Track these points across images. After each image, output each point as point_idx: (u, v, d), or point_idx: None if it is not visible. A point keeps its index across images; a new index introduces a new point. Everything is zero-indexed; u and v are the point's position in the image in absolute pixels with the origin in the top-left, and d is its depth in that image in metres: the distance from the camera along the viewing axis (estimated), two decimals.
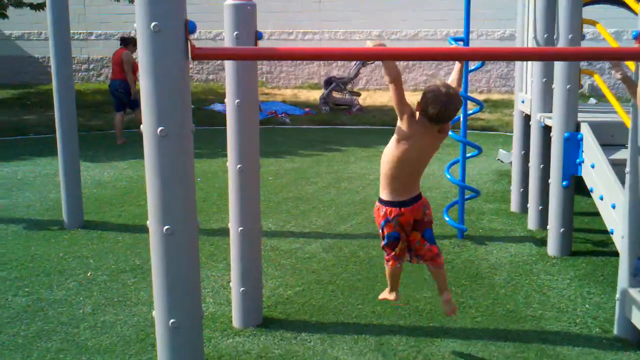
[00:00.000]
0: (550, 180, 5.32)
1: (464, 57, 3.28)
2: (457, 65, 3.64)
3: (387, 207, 3.51)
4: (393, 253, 3.62)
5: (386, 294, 3.94)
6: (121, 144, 10.86)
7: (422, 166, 3.56)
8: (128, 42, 11.03)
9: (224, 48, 2.95)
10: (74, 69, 6.62)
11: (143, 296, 4.63)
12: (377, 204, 3.58)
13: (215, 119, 12.82)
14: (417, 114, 3.42)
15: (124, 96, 10.88)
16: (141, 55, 2.44)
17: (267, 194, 7.19)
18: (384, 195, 3.52)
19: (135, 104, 10.85)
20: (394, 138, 3.45)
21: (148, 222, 2.63)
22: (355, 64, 14.52)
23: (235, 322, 4.17)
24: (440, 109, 3.31)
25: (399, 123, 3.42)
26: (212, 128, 11.94)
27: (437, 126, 3.41)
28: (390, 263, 3.67)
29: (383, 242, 3.63)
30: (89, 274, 5.05)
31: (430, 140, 3.46)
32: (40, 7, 15.11)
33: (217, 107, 14.43)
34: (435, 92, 3.32)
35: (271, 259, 5.34)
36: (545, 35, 5.59)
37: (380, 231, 3.59)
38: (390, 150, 3.45)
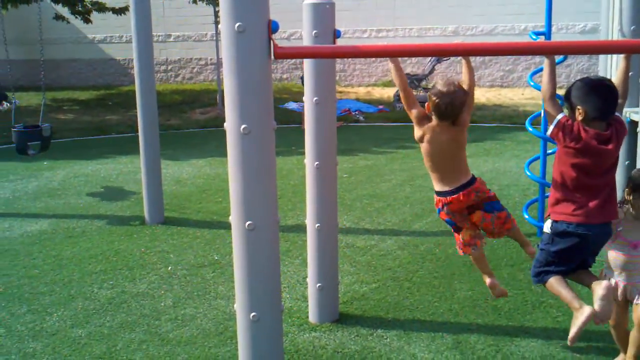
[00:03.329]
0: None
1: (547, 51, 3.19)
2: (464, 62, 3.68)
3: (437, 197, 3.76)
4: (461, 240, 3.79)
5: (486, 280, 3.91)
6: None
7: (454, 158, 3.70)
8: None
9: (306, 47, 2.96)
10: None
11: (222, 290, 4.74)
12: (435, 197, 3.82)
13: (290, 117, 12.95)
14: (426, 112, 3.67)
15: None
16: (225, 55, 2.49)
17: (341, 192, 7.21)
18: (434, 186, 3.78)
19: None
20: (415, 131, 3.71)
21: (230, 217, 2.69)
22: (430, 60, 14.35)
23: (312, 318, 4.21)
24: (443, 107, 3.53)
25: (412, 120, 3.69)
26: (287, 126, 12.07)
27: (448, 121, 3.61)
28: (461, 251, 3.82)
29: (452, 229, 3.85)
30: (169, 268, 5.20)
31: (447, 134, 3.62)
32: (122, 11, 15.62)
33: (291, 105, 14.55)
34: (437, 94, 3.54)
35: (346, 255, 5.35)
36: (633, 27, 5.38)
37: (440, 216, 3.84)
38: (417, 140, 3.71)
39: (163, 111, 13.66)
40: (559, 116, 3.22)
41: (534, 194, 6.38)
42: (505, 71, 17.08)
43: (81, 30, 19.24)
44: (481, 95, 15.71)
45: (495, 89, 16.61)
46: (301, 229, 5.44)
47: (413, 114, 3.65)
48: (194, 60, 19.72)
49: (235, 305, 2.80)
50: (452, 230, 3.86)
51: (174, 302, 4.57)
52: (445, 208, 3.74)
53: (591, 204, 3.18)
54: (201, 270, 5.16)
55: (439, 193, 3.75)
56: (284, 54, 2.50)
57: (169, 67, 19.92)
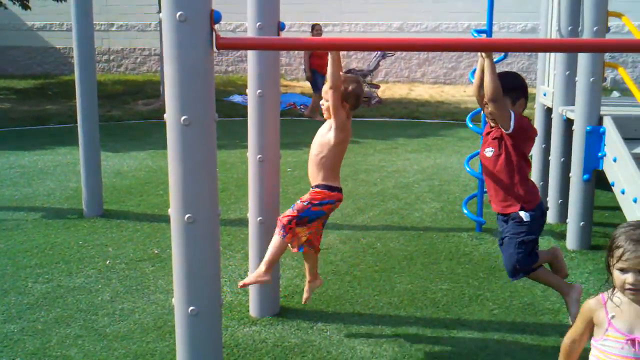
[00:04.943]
0: (571, 174, 5.28)
1: (488, 48, 3.25)
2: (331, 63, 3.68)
3: (336, 193, 3.82)
4: (304, 238, 3.84)
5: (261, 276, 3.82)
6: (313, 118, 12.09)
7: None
8: (312, 29, 12.30)
9: (249, 38, 2.93)
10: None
11: (161, 284, 4.67)
12: (324, 190, 3.81)
13: (234, 110, 12.85)
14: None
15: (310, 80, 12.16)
16: (166, 44, 2.44)
17: (285, 185, 7.20)
18: (332, 182, 3.83)
19: (315, 88, 12.01)
20: (337, 133, 3.70)
21: (169, 210, 2.64)
22: (375, 55, 14.46)
23: (252, 312, 4.20)
24: (362, 91, 3.73)
25: (338, 122, 3.66)
26: (231, 119, 11.97)
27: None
28: (288, 236, 3.78)
29: (296, 216, 3.77)
30: (107, 262, 5.09)
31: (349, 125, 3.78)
32: None
33: (236, 98, 14.46)
34: (350, 81, 3.67)
35: (288, 249, 5.33)
36: (570, 28, 5.54)
37: (313, 206, 3.77)
38: (337, 142, 3.74)
39: (104, 102, 13.38)
40: (512, 112, 3.36)
41: (474, 189, 6.50)
42: (448, 68, 17.36)
43: (19, 16, 18.67)
44: (424, 92, 15.92)
45: (438, 86, 16.86)
46: (244, 222, 5.39)
47: (341, 114, 3.65)
48: (137, 51, 19.39)
49: (173, 300, 2.76)
50: (301, 219, 3.78)
51: (111, 296, 4.48)
52: (335, 204, 3.84)
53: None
54: (140, 264, 5.07)
55: (339, 189, 3.86)
56: (226, 45, 2.47)
57: (111, 57, 19.52)
